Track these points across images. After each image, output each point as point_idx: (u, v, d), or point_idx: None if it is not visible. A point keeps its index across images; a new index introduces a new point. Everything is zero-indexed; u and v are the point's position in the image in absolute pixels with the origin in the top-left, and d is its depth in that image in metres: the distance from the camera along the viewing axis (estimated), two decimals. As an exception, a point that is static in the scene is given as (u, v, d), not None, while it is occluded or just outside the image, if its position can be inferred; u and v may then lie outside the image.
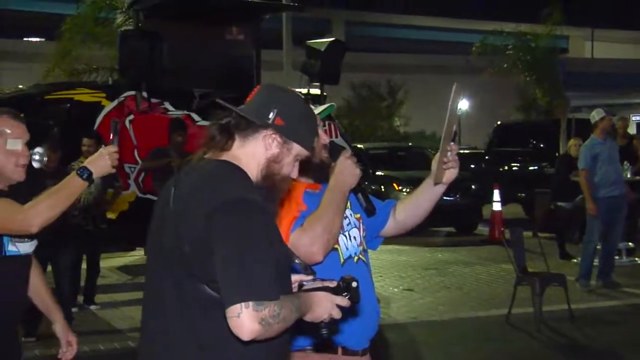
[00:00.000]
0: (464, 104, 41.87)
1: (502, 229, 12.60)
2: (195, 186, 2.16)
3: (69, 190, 2.98)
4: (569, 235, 11.76)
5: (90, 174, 2.99)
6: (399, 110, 36.78)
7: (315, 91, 10.24)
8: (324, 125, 3.05)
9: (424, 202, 3.23)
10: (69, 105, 9.36)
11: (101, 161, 3.01)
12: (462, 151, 23.26)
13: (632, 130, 22.79)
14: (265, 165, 2.29)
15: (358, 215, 3.00)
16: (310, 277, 2.38)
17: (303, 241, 2.69)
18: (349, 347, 2.87)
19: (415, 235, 13.87)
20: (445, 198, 15.92)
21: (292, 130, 2.30)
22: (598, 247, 9.32)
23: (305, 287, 2.31)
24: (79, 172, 3.00)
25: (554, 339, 7.26)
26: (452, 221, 14.58)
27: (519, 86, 26.02)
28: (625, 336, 7.20)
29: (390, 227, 3.17)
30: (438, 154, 3.16)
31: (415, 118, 36.71)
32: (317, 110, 2.88)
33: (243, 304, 1.99)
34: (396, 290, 9.33)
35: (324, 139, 2.89)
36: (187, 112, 9.43)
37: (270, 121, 2.29)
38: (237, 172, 2.25)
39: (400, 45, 43.99)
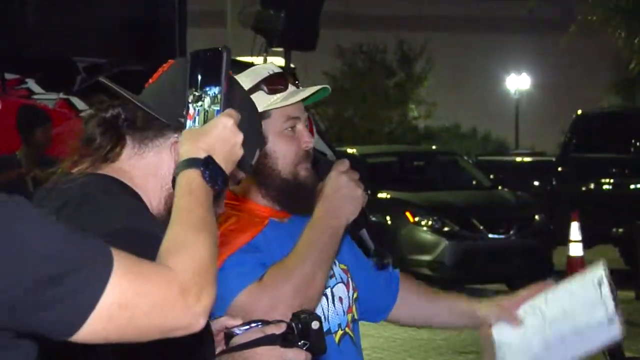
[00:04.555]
0: (523, 82, 42.16)
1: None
2: (61, 214, 2.20)
3: None
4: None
5: None
6: (417, 92, 36.97)
7: (278, 61, 10.34)
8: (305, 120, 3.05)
9: (440, 319, 3.39)
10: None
11: None
12: (519, 159, 23.49)
13: None
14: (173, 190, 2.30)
15: (344, 266, 3.06)
16: (240, 321, 2.40)
17: (261, 304, 2.69)
18: None
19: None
20: (491, 236, 16.04)
21: None
22: None
23: (236, 340, 2.34)
24: None
25: None
26: (503, 274, 14.67)
27: (615, 53, 26.20)
28: None
29: (394, 311, 3.30)
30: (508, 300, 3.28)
31: (444, 104, 36.91)
32: (299, 95, 2.93)
33: None
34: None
35: (306, 141, 2.94)
36: (64, 96, 9.48)
37: (184, 120, 2.27)
38: (113, 188, 2.28)
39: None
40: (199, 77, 2.12)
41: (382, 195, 14.59)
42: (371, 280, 3.17)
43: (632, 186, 16.92)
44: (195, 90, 2.12)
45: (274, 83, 2.91)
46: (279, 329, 2.32)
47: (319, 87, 2.97)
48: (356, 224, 2.87)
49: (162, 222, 2.27)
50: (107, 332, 1.76)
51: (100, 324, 1.74)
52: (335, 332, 2.97)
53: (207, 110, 2.11)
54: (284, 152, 2.91)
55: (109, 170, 2.32)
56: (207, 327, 1.94)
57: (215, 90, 2.11)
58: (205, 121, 2.10)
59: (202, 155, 2.02)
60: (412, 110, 36.81)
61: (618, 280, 9.89)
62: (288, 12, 10.15)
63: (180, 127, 2.29)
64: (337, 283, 2.99)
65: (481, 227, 14.49)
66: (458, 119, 38.94)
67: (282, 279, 2.72)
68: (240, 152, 2.12)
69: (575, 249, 13.74)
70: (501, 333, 3.26)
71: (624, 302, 8.61)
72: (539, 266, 14.75)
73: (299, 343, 2.30)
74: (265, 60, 10.23)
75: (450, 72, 37.72)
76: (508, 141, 40.24)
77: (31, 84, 9.57)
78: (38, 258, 1.71)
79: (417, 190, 14.70)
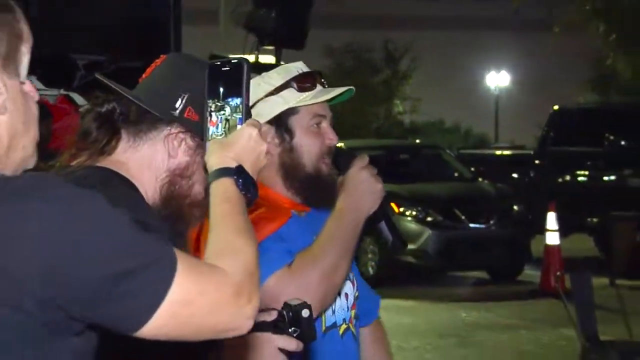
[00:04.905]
0: (503, 79, 42.27)
1: (561, 273, 12.72)
2: None
3: None
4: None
5: None
6: (402, 89, 37.05)
7: (268, 59, 10.32)
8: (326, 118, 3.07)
9: None
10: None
11: None
12: (498, 152, 23.53)
13: None
14: (167, 181, 2.33)
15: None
16: None
17: (289, 290, 2.69)
18: None
19: (425, 284, 14.01)
20: (472, 226, 16.11)
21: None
22: None
23: None
24: None
25: None
26: (483, 262, 14.71)
27: (591, 51, 26.27)
28: None
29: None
30: None
31: (428, 100, 36.97)
32: (327, 94, 2.97)
33: None
34: (395, 370, 9.41)
35: (330, 138, 2.97)
36: (65, 92, 9.47)
37: (176, 113, 2.31)
38: (111, 181, 2.28)
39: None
40: (221, 89, 2.11)
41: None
42: (361, 287, 3.18)
43: (605, 178, 16.96)
44: (218, 101, 2.11)
45: (303, 81, 2.94)
46: (270, 317, 2.32)
47: (345, 88, 3.01)
48: (375, 217, 2.91)
49: (157, 211, 2.31)
50: (168, 329, 1.76)
51: (163, 321, 1.74)
52: (340, 326, 3.00)
53: (228, 119, 2.10)
54: (309, 147, 2.95)
55: (106, 162, 2.32)
56: None
57: (237, 100, 2.11)
58: (227, 129, 2.10)
59: (233, 164, 2.03)
60: (397, 106, 36.92)
61: (593, 267, 9.92)
62: (279, 11, 10.14)
63: (173, 120, 2.31)
64: (345, 280, 2.96)
65: (463, 217, 14.51)
66: (441, 115, 39.06)
67: (310, 266, 2.74)
68: (264, 160, 2.13)
69: (552, 238, 13.77)
70: None
71: (598, 288, 8.61)
72: (518, 254, 14.80)
73: (290, 330, 2.30)
74: (256, 58, 10.22)
75: (434, 69, 37.79)
76: (488, 135, 40.35)
77: (33, 80, 9.53)
78: (117, 253, 1.72)
79: (402, 182, 14.68)
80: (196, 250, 2.65)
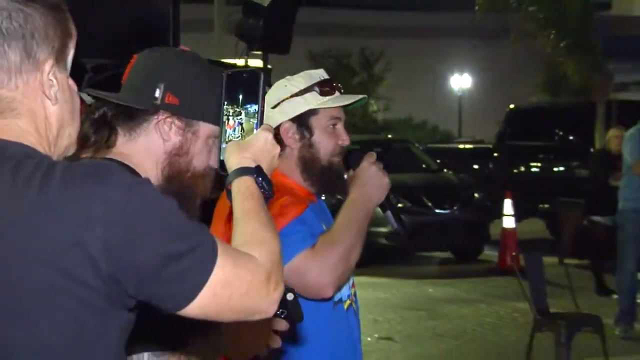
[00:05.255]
0: (465, 81, 42.28)
1: (516, 253, 12.73)
2: None
3: None
4: (610, 261, 11.96)
5: None
6: (377, 90, 37.01)
7: (256, 63, 10.30)
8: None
9: None
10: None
11: None
12: (461, 146, 23.53)
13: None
14: (167, 163, 2.32)
15: None
16: None
17: (313, 268, 2.80)
18: None
19: (396, 263, 14.02)
20: (438, 211, 16.16)
21: (192, 106, 2.31)
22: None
23: None
24: None
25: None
26: (448, 243, 14.73)
27: (543, 56, 26.28)
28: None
29: None
30: None
31: (399, 100, 36.95)
32: (344, 100, 3.04)
33: None
34: (369, 339, 9.41)
35: (343, 139, 3.04)
36: (79, 92, 9.46)
37: (158, 102, 2.30)
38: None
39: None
40: (240, 96, 2.13)
41: (346, 177, 14.58)
42: None
43: (555, 169, 17.02)
44: (236, 106, 2.13)
45: (324, 87, 3.02)
46: None
47: (360, 96, 3.11)
48: (382, 207, 3.02)
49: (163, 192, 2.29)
50: (209, 309, 1.75)
51: (206, 300, 1.72)
52: (345, 302, 3.07)
53: (242, 123, 2.12)
54: (326, 144, 3.03)
55: (112, 154, 2.31)
56: None
57: (254, 107, 2.12)
58: (242, 131, 2.12)
59: (252, 164, 2.03)
60: (372, 105, 36.88)
61: (544, 247, 9.96)
62: (266, 20, 10.12)
63: (157, 108, 2.30)
64: None
65: (429, 204, 14.52)
66: (411, 113, 38.97)
67: (330, 248, 2.82)
68: (277, 162, 2.14)
69: (508, 222, 13.82)
70: None
71: (549, 267, 8.65)
72: (478, 237, 14.83)
73: (278, 312, 2.31)
74: (246, 62, 10.20)
75: (404, 73, 37.74)
76: (452, 131, 40.31)
77: (46, 80, 9.54)
78: (171, 237, 1.71)
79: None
80: (224, 235, 2.66)
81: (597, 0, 22.48)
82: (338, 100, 3.04)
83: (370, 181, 2.95)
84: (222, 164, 2.15)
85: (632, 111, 14.31)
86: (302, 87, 3.01)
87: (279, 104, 3.03)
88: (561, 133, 17.65)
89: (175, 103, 2.29)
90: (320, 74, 3.09)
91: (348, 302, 3.09)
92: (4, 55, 1.78)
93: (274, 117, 3.03)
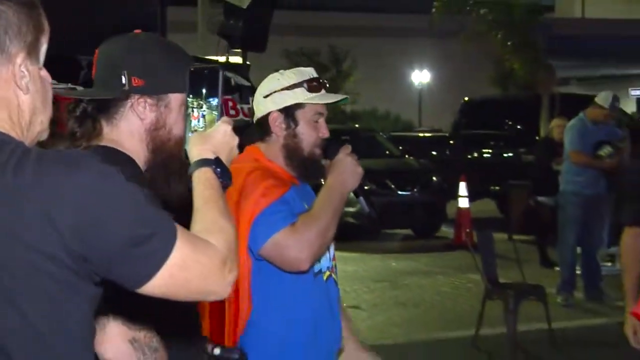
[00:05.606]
0: (424, 76, 42.31)
1: (470, 230, 12.80)
2: None
3: None
4: (552, 237, 12.02)
5: None
6: (345, 84, 36.96)
7: (236, 59, 10.27)
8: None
9: None
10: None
11: None
12: (421, 134, 23.54)
13: (631, 107, 23.31)
14: (149, 138, 2.32)
15: None
16: None
17: (292, 243, 2.84)
18: None
19: (363, 239, 14.03)
20: (400, 193, 16.16)
21: (157, 82, 2.30)
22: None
23: None
24: None
25: (531, 366, 7.45)
26: (409, 222, 14.75)
27: (493, 54, 26.36)
28: (617, 360, 7.42)
29: None
30: None
31: (365, 93, 36.89)
32: (329, 98, 3.07)
33: None
34: (338, 308, 9.43)
35: (324, 132, 3.07)
36: (72, 86, 9.37)
37: (126, 87, 2.30)
38: (112, 158, 2.26)
39: (346, 3, 44.19)
40: (203, 90, 2.12)
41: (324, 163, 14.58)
42: None
43: (505, 155, 17.06)
44: (200, 99, 2.13)
45: (312, 84, 3.04)
46: None
47: (343, 96, 3.21)
48: (355, 193, 3.09)
49: (152, 163, 2.32)
50: (166, 288, 1.74)
51: (163, 280, 1.71)
52: (324, 272, 3.08)
53: (205, 114, 2.13)
54: (308, 136, 3.06)
55: (103, 142, 2.32)
56: None
57: (214, 101, 2.12)
58: (205, 122, 2.10)
59: (212, 156, 2.01)
60: (340, 97, 36.90)
61: (494, 225, 9.96)
62: (245, 22, 10.10)
63: (127, 93, 2.29)
64: None
65: (392, 186, 14.53)
66: (376, 105, 38.94)
67: (310, 225, 2.85)
68: (236, 152, 2.11)
69: (463, 202, 13.84)
70: None
71: (498, 242, 8.68)
72: (436, 215, 14.87)
73: None
74: (227, 58, 10.18)
75: (370, 69, 37.71)
76: (413, 121, 40.32)
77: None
78: (135, 221, 1.70)
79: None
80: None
81: (541, 3, 22.55)
82: (323, 97, 3.06)
83: (346, 170, 2.98)
84: (186, 152, 2.13)
85: (572, 103, 14.37)
86: (293, 82, 3.03)
87: (270, 94, 3.05)
88: (510, 123, 17.69)
89: (142, 84, 2.28)
90: (310, 72, 3.11)
91: (328, 273, 3.10)
92: None
93: (265, 105, 3.07)
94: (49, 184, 1.66)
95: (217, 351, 2.22)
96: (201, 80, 2.11)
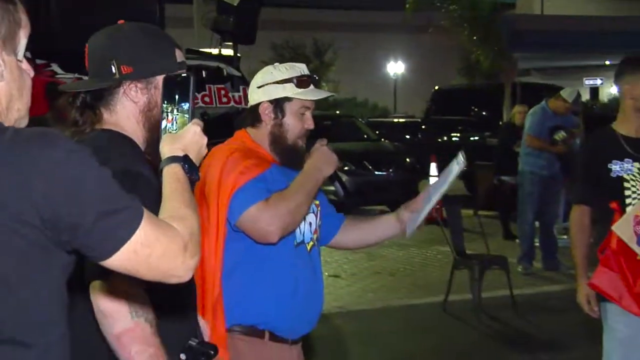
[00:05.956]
0: (399, 67, 42.28)
1: (439, 207, 12.79)
2: None
3: None
4: (513, 213, 12.06)
5: None
6: (327, 74, 36.92)
7: (228, 52, 10.23)
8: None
9: (376, 237, 3.40)
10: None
11: None
12: (396, 120, 23.55)
13: (585, 96, 23.36)
14: (144, 119, 2.33)
15: (317, 202, 3.16)
16: None
17: (264, 216, 2.84)
18: (279, 334, 3.01)
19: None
20: (377, 173, 16.12)
21: (144, 68, 2.30)
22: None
23: None
24: None
25: (495, 328, 7.48)
26: (385, 199, 14.76)
27: (460, 47, 26.38)
28: (571, 324, 7.42)
29: (334, 240, 3.36)
30: (423, 210, 3.29)
31: (345, 83, 36.89)
32: (316, 95, 3.07)
33: None
34: (321, 277, 9.45)
35: (309, 124, 3.06)
36: (80, 75, 9.33)
37: (117, 76, 2.30)
38: (116, 140, 2.29)
39: (328, 0, 44.09)
40: (176, 96, 2.09)
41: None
42: (326, 218, 3.27)
43: (471, 138, 17.05)
44: (173, 104, 2.07)
45: (302, 80, 3.04)
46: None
47: (329, 94, 3.30)
48: (331, 179, 3.09)
49: (147, 147, 2.32)
50: (129, 263, 1.71)
51: (126, 255, 1.69)
52: (308, 243, 3.09)
53: (177, 117, 2.07)
54: (293, 127, 3.06)
55: (106, 126, 2.32)
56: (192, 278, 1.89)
57: (186, 105, 2.07)
58: (177, 124, 2.07)
59: (180, 153, 1.98)
60: (323, 87, 36.85)
61: (462, 202, 9.93)
62: (235, 18, 10.08)
63: (119, 81, 2.29)
64: (310, 213, 3.08)
65: (370, 167, 14.51)
66: (355, 93, 38.90)
67: (282, 202, 2.84)
68: (204, 151, 2.08)
69: (434, 181, 13.82)
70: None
71: (465, 217, 8.71)
72: (410, 193, 14.76)
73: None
74: (220, 51, 10.15)
75: (349, 60, 37.66)
76: (389, 108, 40.31)
77: (55, 66, 9.46)
78: (102, 196, 1.68)
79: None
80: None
81: (503, 1, 22.58)
82: (310, 93, 3.06)
83: (322, 157, 2.98)
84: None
85: (532, 91, 14.44)
86: (284, 77, 3.04)
87: (263, 85, 3.07)
88: (475, 109, 17.71)
89: (131, 71, 2.28)
90: (301, 68, 3.11)
91: (311, 243, 3.10)
92: None
93: (257, 95, 3.08)
94: (25, 158, 1.65)
95: (193, 343, 2.19)
96: (174, 87, 2.10)
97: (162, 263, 1.74)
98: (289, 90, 3.03)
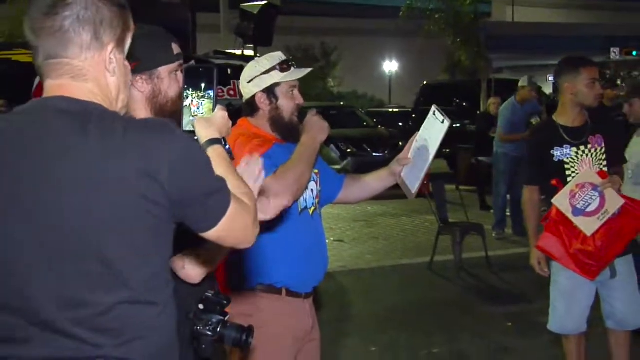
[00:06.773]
0: (393, 66, 42.12)
1: (427, 182, 12.75)
2: None
3: None
4: (489, 187, 12.03)
5: None
6: (333, 72, 36.81)
7: (250, 53, 10.21)
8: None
9: (373, 189, 3.34)
10: (6, 66, 9.06)
11: None
12: (391, 110, 23.47)
13: (549, 90, 23.24)
14: (152, 105, 2.29)
15: (316, 171, 3.08)
16: None
17: (274, 187, 2.72)
18: (294, 289, 2.98)
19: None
20: (374, 154, 16.01)
21: (145, 62, 2.26)
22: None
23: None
24: None
25: (472, 284, 7.47)
26: (381, 176, 14.76)
27: (445, 49, 26.23)
28: (535, 280, 7.42)
29: (339, 197, 3.30)
30: (423, 169, 3.23)
31: (348, 79, 36.81)
32: (298, 73, 2.97)
33: None
34: (327, 241, 9.43)
35: (299, 100, 2.97)
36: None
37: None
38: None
39: (334, 9, 43.87)
40: (202, 84, 2.07)
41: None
42: (328, 181, 3.20)
43: (454, 125, 16.86)
44: (199, 92, 2.04)
45: (283, 65, 2.95)
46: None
47: (309, 69, 3.06)
48: (326, 143, 3.00)
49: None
50: (222, 234, 1.72)
51: (223, 226, 1.70)
52: (310, 208, 3.01)
53: (203, 102, 2.04)
54: (287, 106, 2.96)
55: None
56: None
57: (211, 92, 2.05)
58: (204, 108, 2.04)
59: (218, 135, 1.95)
60: (329, 82, 36.79)
61: (446, 178, 9.88)
62: (255, 24, 10.05)
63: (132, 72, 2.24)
64: (310, 181, 2.98)
65: (369, 149, 14.54)
66: (356, 87, 38.70)
67: (286, 173, 2.74)
68: (230, 132, 2.06)
69: (422, 162, 13.80)
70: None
71: (448, 192, 8.69)
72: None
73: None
74: (242, 52, 10.12)
75: (352, 60, 37.50)
76: (385, 100, 40.18)
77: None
78: (211, 178, 1.70)
79: (332, 128, 14.59)
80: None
81: (481, 11, 22.45)
82: (293, 74, 2.97)
83: (314, 126, 2.89)
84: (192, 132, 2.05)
85: (505, 86, 14.38)
86: (268, 67, 2.95)
87: (252, 79, 2.97)
88: (457, 101, 17.63)
89: (137, 65, 2.22)
90: (279, 55, 3.01)
91: (313, 208, 3.03)
92: (79, 35, 1.71)
93: (250, 89, 2.99)
94: (149, 144, 1.65)
95: (209, 294, 2.16)
96: (200, 76, 2.07)
97: (241, 234, 1.76)
98: (276, 77, 2.95)
